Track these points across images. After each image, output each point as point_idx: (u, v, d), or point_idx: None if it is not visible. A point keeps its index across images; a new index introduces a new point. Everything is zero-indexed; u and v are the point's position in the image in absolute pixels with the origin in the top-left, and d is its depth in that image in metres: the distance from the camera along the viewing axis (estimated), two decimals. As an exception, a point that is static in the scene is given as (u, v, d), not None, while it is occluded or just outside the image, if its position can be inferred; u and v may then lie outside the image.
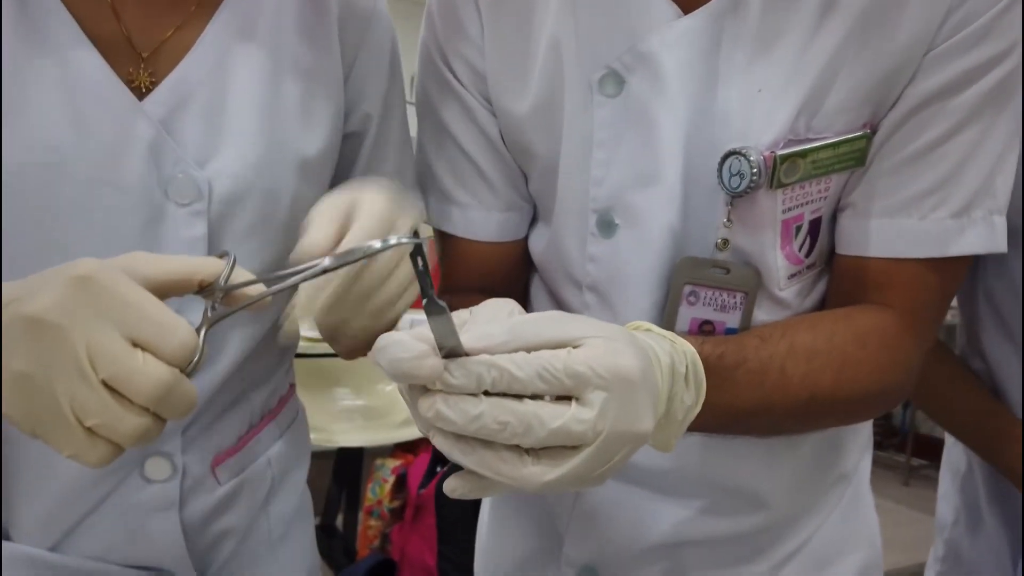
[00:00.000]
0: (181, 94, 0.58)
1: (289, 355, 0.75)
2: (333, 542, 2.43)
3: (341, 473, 2.45)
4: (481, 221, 0.71)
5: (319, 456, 2.52)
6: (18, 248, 0.54)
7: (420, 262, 0.38)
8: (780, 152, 0.54)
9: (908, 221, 0.57)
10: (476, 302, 0.46)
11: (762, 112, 0.56)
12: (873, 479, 0.78)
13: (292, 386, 0.76)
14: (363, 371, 2.44)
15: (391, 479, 2.28)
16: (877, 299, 0.59)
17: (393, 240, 0.41)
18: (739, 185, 0.55)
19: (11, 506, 0.59)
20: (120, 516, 0.60)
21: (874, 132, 0.57)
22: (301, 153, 0.63)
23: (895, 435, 4.49)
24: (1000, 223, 0.58)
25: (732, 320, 0.60)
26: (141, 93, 0.58)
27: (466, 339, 0.38)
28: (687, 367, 0.47)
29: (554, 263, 0.68)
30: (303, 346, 2.15)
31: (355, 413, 2.36)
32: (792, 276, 0.60)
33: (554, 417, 0.38)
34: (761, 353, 0.54)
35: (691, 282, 0.59)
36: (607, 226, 0.61)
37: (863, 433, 0.74)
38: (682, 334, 0.50)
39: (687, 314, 0.60)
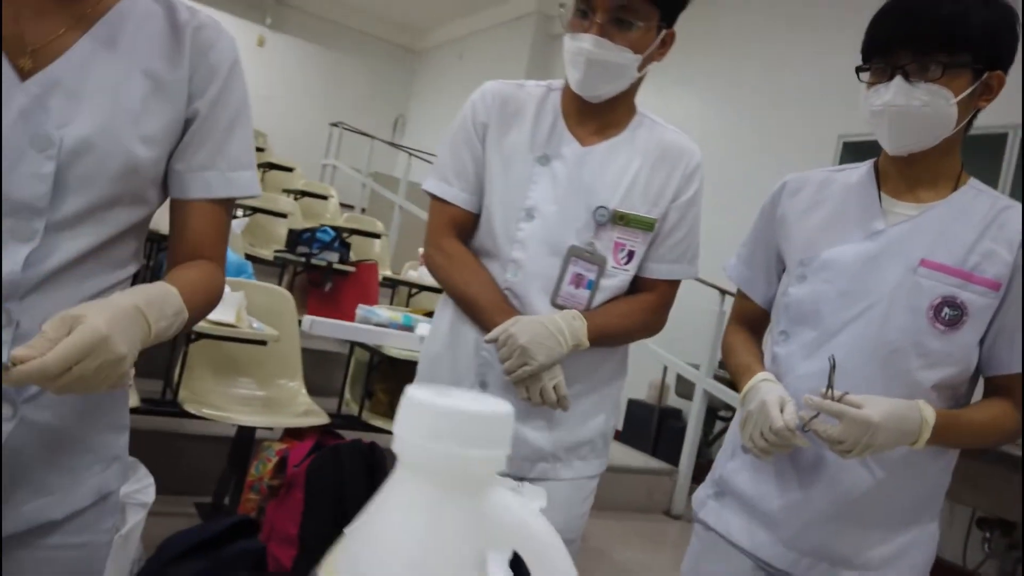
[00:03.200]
0: (53, 80, 0.82)
1: None
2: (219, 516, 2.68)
3: (235, 458, 2.71)
4: (460, 197, 1.43)
5: (215, 440, 2.76)
6: None
7: None
8: (614, 209, 1.42)
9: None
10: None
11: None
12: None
13: None
14: (269, 364, 2.76)
15: (274, 459, 2.46)
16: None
17: None
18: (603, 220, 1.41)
19: None
20: None
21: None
22: (136, 130, 0.86)
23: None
24: None
25: (592, 275, 1.44)
26: (26, 75, 0.81)
27: None
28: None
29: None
30: (207, 327, 2.43)
31: (255, 401, 2.72)
32: (613, 267, 1.43)
33: None
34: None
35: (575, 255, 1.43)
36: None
37: None
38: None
39: (572, 270, 1.43)
